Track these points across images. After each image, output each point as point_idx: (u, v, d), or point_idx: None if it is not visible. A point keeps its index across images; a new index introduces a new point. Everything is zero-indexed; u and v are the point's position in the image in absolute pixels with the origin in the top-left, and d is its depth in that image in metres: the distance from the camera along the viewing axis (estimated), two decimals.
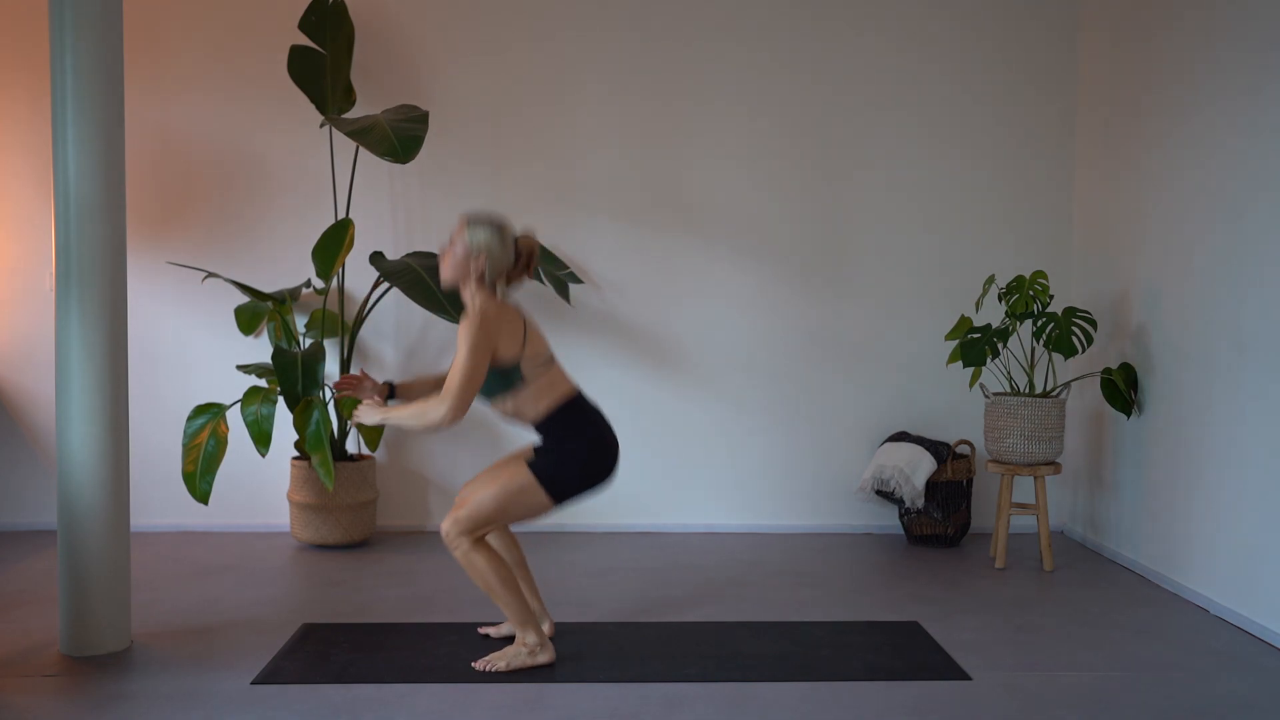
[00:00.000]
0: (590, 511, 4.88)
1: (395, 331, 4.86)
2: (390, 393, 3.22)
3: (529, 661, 3.13)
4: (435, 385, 3.29)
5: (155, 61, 4.75)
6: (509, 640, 3.34)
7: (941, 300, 4.89)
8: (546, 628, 3.37)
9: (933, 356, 4.89)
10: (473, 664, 3.15)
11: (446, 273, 3.10)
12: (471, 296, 3.07)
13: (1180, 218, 4.06)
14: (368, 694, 2.95)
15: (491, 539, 3.29)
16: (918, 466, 4.58)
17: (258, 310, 4.70)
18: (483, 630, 3.43)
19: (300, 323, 4.79)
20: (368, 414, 3.09)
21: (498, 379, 3.03)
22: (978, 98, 4.89)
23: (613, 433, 3.16)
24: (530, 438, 3.26)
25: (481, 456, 4.86)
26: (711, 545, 4.67)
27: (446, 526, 3.05)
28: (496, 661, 3.12)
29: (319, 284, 4.72)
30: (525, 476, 3.05)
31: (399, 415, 3.00)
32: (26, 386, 4.80)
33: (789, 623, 3.60)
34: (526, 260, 3.14)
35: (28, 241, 4.76)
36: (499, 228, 3.09)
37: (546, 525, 4.88)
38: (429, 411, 2.93)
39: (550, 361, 3.12)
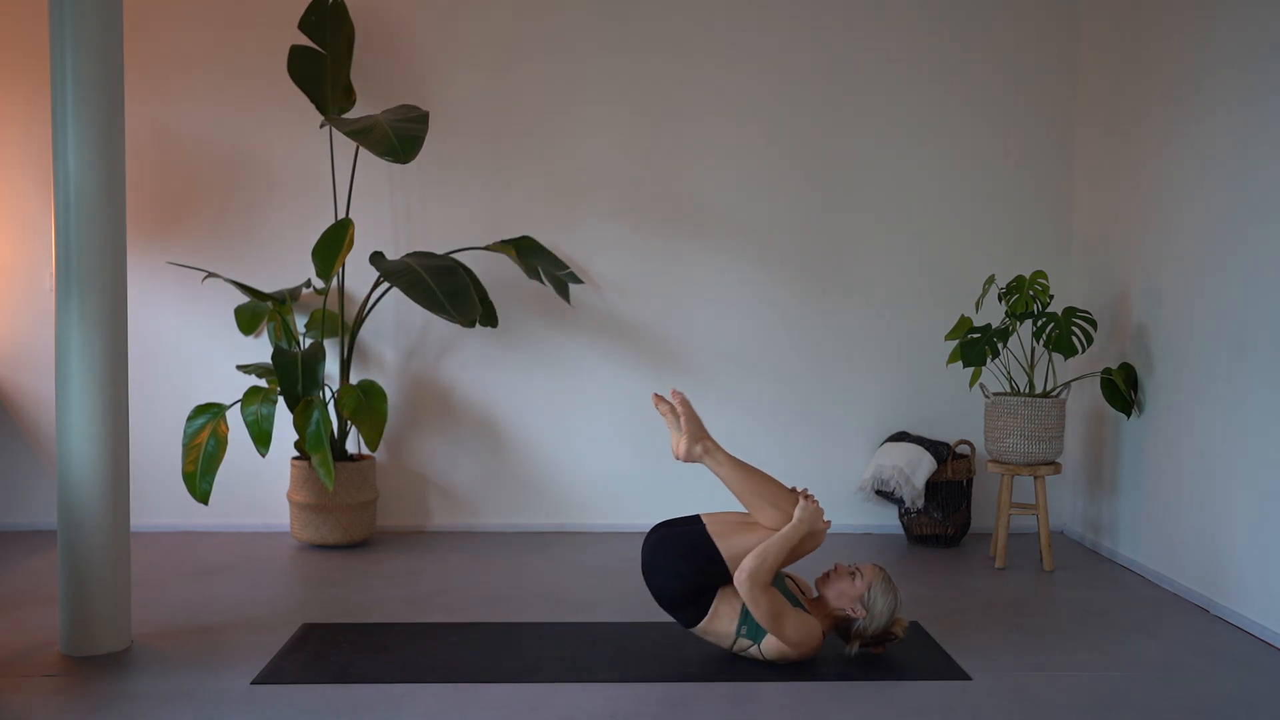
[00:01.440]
0: (590, 511, 4.89)
1: (395, 331, 4.86)
2: None
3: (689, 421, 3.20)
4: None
5: (155, 61, 4.75)
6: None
7: (941, 300, 4.90)
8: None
9: (933, 356, 4.89)
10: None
11: (833, 597, 3.18)
12: (824, 618, 3.20)
13: (1180, 218, 4.06)
14: (368, 694, 2.95)
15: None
16: (918, 466, 4.58)
17: (258, 310, 4.70)
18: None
19: (300, 323, 4.79)
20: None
21: (754, 624, 3.13)
22: (978, 98, 4.89)
23: None
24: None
25: (480, 458, 4.87)
26: None
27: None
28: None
29: (319, 284, 4.72)
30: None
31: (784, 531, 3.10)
32: (26, 386, 4.81)
33: None
34: (884, 639, 3.23)
35: (28, 241, 4.76)
36: (898, 603, 3.20)
37: (546, 525, 4.89)
38: (762, 564, 3.04)
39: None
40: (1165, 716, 2.86)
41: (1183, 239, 4.03)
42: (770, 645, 3.13)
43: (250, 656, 3.21)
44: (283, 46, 4.64)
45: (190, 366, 4.81)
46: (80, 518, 3.16)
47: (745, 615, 3.14)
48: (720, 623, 3.16)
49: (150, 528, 4.80)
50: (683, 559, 3.14)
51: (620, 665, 3.18)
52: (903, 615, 3.29)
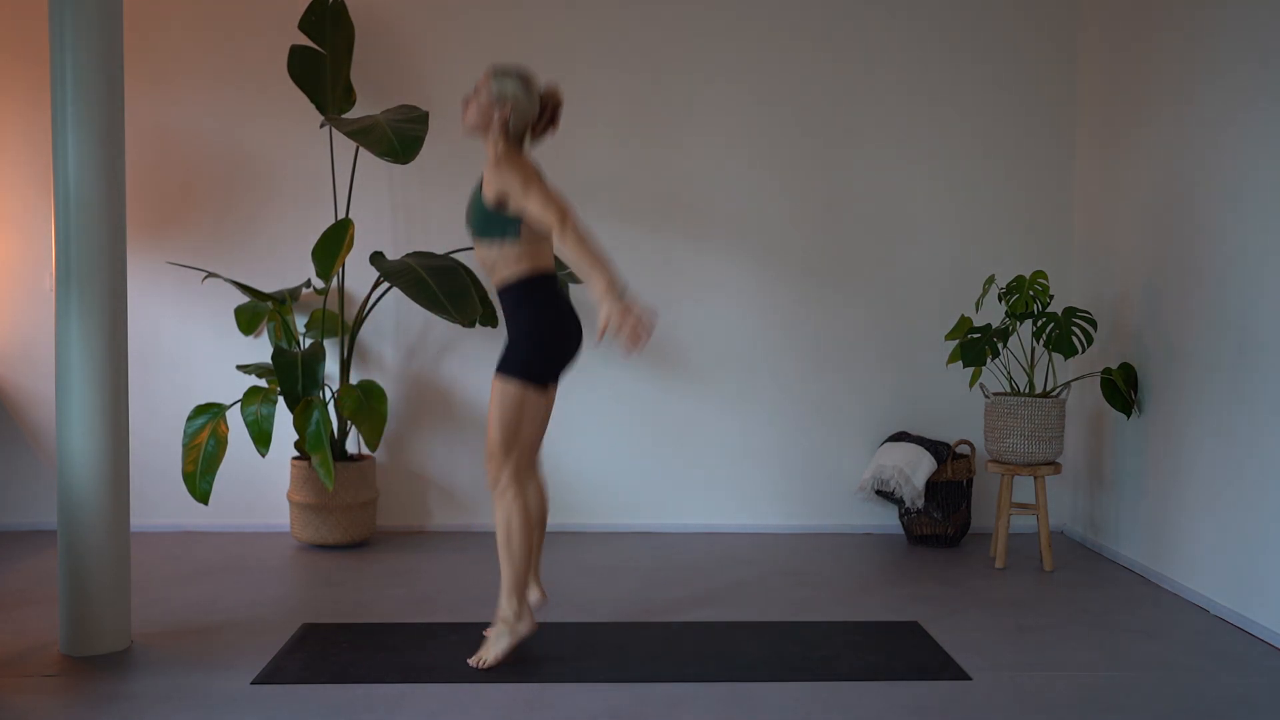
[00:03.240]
0: (590, 511, 4.89)
1: (395, 331, 4.86)
2: None
3: (511, 640, 3.15)
4: None
5: (155, 61, 4.75)
6: None
7: (941, 300, 4.90)
8: (534, 597, 3.41)
9: (933, 356, 4.89)
10: (467, 660, 3.17)
11: (470, 118, 3.12)
12: (494, 144, 3.10)
13: (1180, 218, 4.06)
14: (368, 694, 2.95)
15: (530, 495, 3.25)
16: (918, 466, 4.58)
17: (258, 310, 4.70)
18: (488, 632, 3.43)
19: (300, 323, 4.79)
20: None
21: (497, 221, 3.05)
22: (978, 98, 4.89)
23: (574, 318, 3.14)
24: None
25: (480, 458, 4.86)
26: (711, 545, 4.66)
27: (490, 476, 3.09)
28: (485, 655, 3.14)
29: (319, 284, 4.72)
30: (501, 382, 3.08)
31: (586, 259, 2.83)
32: (26, 386, 4.81)
33: (789, 623, 3.60)
34: (552, 113, 3.17)
35: (28, 241, 4.76)
36: (525, 79, 3.12)
37: (548, 525, 4.88)
38: (557, 231, 2.85)
39: (548, 234, 3.07)
40: (1165, 716, 2.86)
41: (1183, 239, 4.03)
42: (511, 211, 3.01)
43: (250, 656, 3.21)
44: (283, 46, 4.64)
45: (190, 366, 4.81)
46: (80, 518, 3.16)
47: (486, 227, 3.05)
48: (489, 251, 3.07)
49: (150, 528, 4.80)
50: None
51: (620, 665, 3.18)
52: (544, 83, 3.18)
